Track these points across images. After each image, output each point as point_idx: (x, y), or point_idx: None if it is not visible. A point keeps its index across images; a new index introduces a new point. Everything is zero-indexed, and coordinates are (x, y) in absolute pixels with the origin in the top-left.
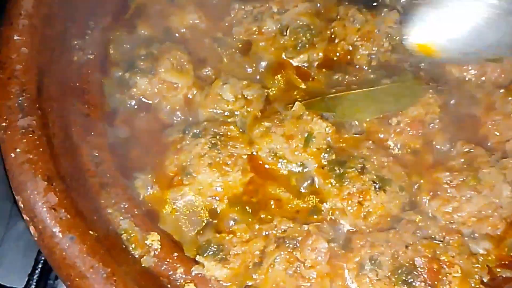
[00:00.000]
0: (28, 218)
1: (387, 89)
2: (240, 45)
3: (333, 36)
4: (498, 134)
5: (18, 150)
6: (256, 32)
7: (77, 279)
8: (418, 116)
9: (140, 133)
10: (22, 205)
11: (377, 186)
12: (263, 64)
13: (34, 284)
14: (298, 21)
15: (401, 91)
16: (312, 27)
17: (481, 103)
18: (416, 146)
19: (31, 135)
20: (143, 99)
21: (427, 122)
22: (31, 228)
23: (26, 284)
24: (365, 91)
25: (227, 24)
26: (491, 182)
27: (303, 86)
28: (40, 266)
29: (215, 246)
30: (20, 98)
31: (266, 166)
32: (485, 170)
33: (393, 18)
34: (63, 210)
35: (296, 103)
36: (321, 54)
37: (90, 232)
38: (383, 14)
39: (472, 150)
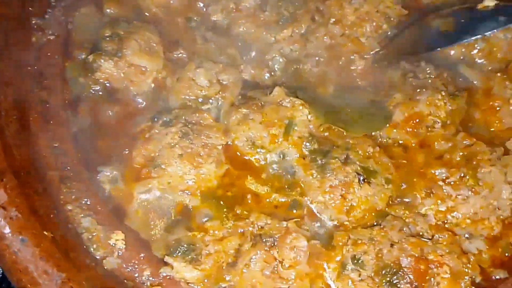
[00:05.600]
0: None
1: None
2: (216, 26)
3: (323, 17)
4: (497, 121)
5: None
6: (234, 10)
7: (29, 285)
8: (419, 114)
9: (105, 122)
10: None
11: (361, 178)
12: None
13: None
14: None
15: None
16: None
17: (479, 88)
18: (411, 144)
19: None
20: (109, 84)
21: (426, 123)
22: None
23: None
24: None
25: (202, 3)
26: (491, 183)
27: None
28: None
29: (186, 246)
30: None
31: (243, 157)
32: (485, 169)
33: None
34: (14, 209)
35: (276, 87)
36: (304, 28)
37: (45, 232)
38: None
39: (472, 145)
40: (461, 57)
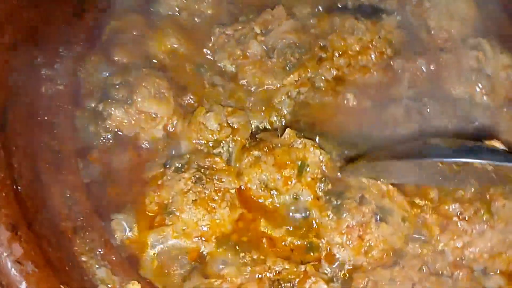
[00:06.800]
0: None
1: None
2: (224, 71)
3: (327, 51)
4: None
5: None
6: (241, 57)
7: None
8: None
9: (117, 169)
10: None
11: (378, 218)
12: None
13: None
14: (284, 40)
15: None
16: (299, 44)
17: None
18: None
19: None
20: (119, 132)
21: None
22: None
23: None
24: None
25: (209, 50)
26: (506, 216)
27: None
28: None
29: None
30: None
31: (257, 200)
32: (499, 203)
33: (393, 23)
34: (30, 263)
35: (287, 129)
36: (310, 72)
37: (61, 286)
38: (382, 20)
39: None
40: (465, 96)
